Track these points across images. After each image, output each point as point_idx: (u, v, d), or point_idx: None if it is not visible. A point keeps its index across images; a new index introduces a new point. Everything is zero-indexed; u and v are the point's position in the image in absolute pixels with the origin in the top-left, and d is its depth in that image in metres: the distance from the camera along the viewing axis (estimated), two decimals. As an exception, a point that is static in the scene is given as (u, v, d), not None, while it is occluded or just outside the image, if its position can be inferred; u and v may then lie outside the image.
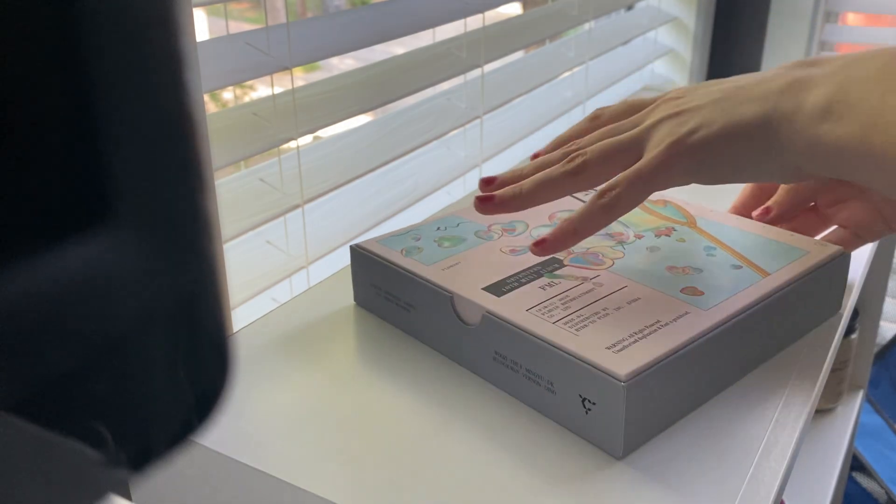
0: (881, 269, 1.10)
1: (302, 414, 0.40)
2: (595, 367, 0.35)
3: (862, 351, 1.15)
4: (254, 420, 0.40)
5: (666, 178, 0.40)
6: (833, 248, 0.46)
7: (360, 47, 0.65)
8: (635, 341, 0.37)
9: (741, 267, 0.44)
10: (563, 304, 0.41)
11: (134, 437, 0.16)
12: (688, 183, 0.41)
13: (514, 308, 0.40)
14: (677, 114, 0.41)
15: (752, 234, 0.48)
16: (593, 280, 0.43)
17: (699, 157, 0.40)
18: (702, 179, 0.41)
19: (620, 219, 0.50)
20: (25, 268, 0.13)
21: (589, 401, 0.36)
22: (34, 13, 0.12)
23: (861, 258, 0.55)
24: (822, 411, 1.10)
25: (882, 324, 1.41)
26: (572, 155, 0.42)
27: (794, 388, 0.41)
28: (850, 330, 1.05)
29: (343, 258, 0.63)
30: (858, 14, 1.46)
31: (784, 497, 0.91)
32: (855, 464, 1.30)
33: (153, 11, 0.14)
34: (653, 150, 0.40)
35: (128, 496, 0.42)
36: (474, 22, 0.80)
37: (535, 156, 0.47)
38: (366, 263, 0.48)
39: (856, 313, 1.08)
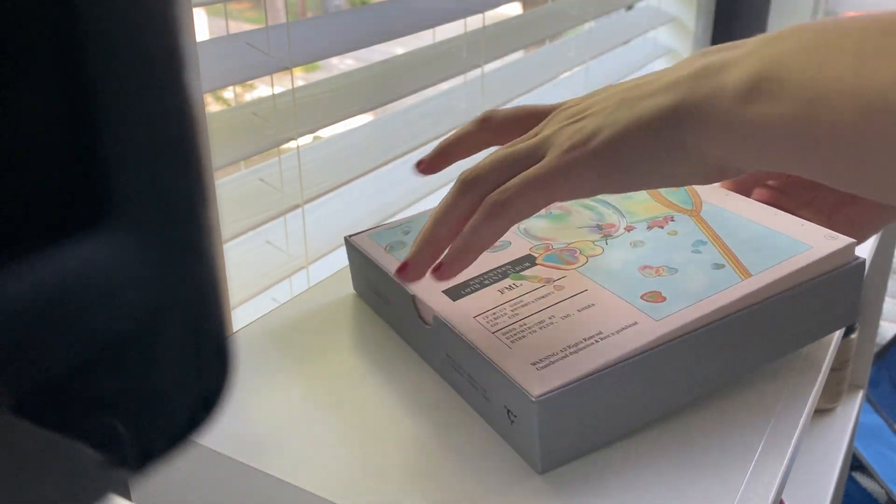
0: (881, 269, 1.10)
1: (301, 414, 0.40)
2: (514, 383, 0.35)
3: (862, 351, 1.15)
4: (254, 420, 0.40)
5: (566, 186, 0.35)
6: (843, 242, 0.40)
7: (360, 47, 0.65)
8: (565, 356, 0.36)
9: (723, 266, 0.40)
10: (512, 310, 0.40)
11: (134, 437, 0.16)
12: (595, 193, 0.36)
13: (464, 314, 0.40)
14: (577, 121, 0.36)
15: (756, 224, 0.44)
16: (556, 283, 0.42)
17: (602, 163, 0.35)
18: (610, 187, 0.36)
19: (618, 207, 0.48)
20: (24, 268, 0.13)
21: (512, 413, 0.36)
22: (34, 13, 0.12)
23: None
24: (822, 411, 1.10)
25: (882, 324, 1.41)
26: (468, 183, 0.38)
27: (794, 388, 0.41)
28: (849, 330, 1.05)
29: (343, 258, 0.63)
30: (858, 13, 1.46)
31: (784, 497, 0.91)
32: (855, 464, 1.30)
33: (153, 11, 0.14)
34: (551, 156, 0.36)
35: (128, 496, 0.42)
36: (474, 22, 0.80)
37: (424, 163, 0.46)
38: (356, 255, 0.50)
39: (856, 313, 1.08)
